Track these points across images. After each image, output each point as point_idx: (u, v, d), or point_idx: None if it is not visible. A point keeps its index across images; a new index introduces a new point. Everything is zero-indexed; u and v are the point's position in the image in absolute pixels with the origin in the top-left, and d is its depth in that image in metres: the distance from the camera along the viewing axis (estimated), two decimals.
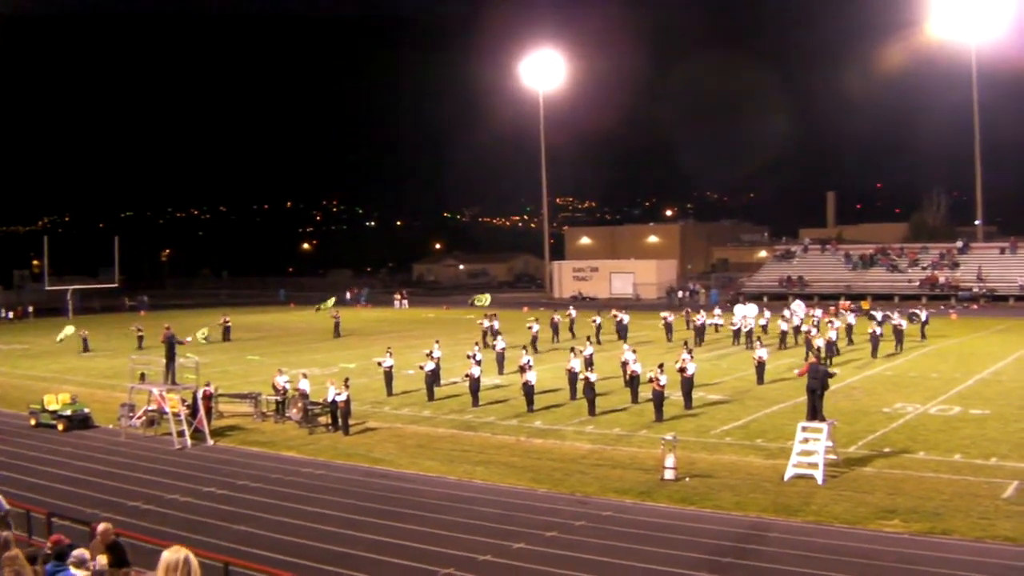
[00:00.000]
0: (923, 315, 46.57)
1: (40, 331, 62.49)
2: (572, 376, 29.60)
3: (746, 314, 47.89)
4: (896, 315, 42.73)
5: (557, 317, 49.13)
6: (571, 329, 49.23)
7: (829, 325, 41.09)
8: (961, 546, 15.14)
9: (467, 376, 29.82)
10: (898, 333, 40.67)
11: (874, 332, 39.35)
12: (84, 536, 12.08)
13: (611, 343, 44.81)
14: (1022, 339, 44.42)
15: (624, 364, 30.99)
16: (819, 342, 35.79)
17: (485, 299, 65.31)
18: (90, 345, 49.52)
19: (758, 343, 35.38)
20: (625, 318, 47.70)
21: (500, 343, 38.20)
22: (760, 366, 32.27)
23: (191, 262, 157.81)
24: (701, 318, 46.89)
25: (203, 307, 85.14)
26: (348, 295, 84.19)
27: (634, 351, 31.35)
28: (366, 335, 54.29)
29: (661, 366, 26.84)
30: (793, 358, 37.80)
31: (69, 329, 52.56)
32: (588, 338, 38.98)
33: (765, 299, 66.87)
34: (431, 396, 30.71)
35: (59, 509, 16.36)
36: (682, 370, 27.89)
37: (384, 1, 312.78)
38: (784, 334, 43.19)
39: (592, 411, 26.92)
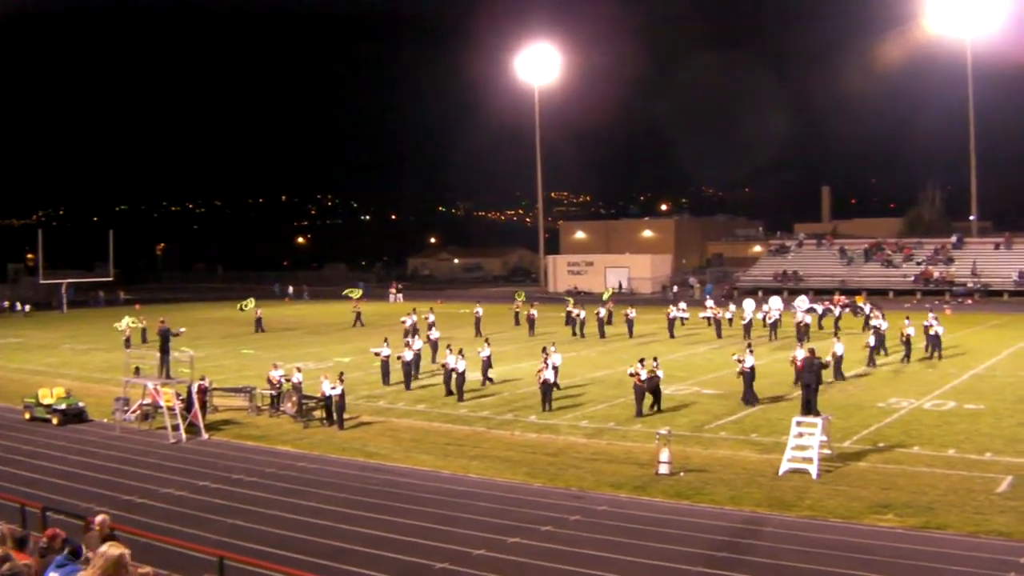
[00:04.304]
0: (867, 308, 47.01)
1: (25, 325, 62.37)
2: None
3: (770, 307, 47.90)
4: (931, 317, 38.39)
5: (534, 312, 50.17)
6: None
7: (906, 322, 36.99)
8: (955, 540, 15.18)
9: (452, 370, 29.85)
10: (930, 337, 36.72)
11: (936, 333, 36.39)
12: (79, 530, 12.03)
13: (616, 338, 45.51)
14: (1016, 334, 44.52)
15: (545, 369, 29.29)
16: (839, 348, 31.87)
17: (356, 292, 63.30)
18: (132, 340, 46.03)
19: (747, 351, 29.12)
20: (582, 313, 48.01)
21: (435, 332, 39.95)
22: (749, 376, 27.79)
23: (186, 256, 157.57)
24: (673, 312, 47.42)
25: (196, 301, 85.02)
26: (391, 290, 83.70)
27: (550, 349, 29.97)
28: (361, 328, 54.21)
29: (642, 361, 26.86)
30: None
31: (126, 320, 47.97)
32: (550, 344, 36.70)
33: (760, 294, 66.88)
34: (408, 386, 31.57)
35: (54, 503, 16.31)
36: (740, 360, 27.60)
37: None
38: (803, 327, 43.14)
39: (640, 411, 26.01)
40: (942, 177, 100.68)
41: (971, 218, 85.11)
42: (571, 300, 50.47)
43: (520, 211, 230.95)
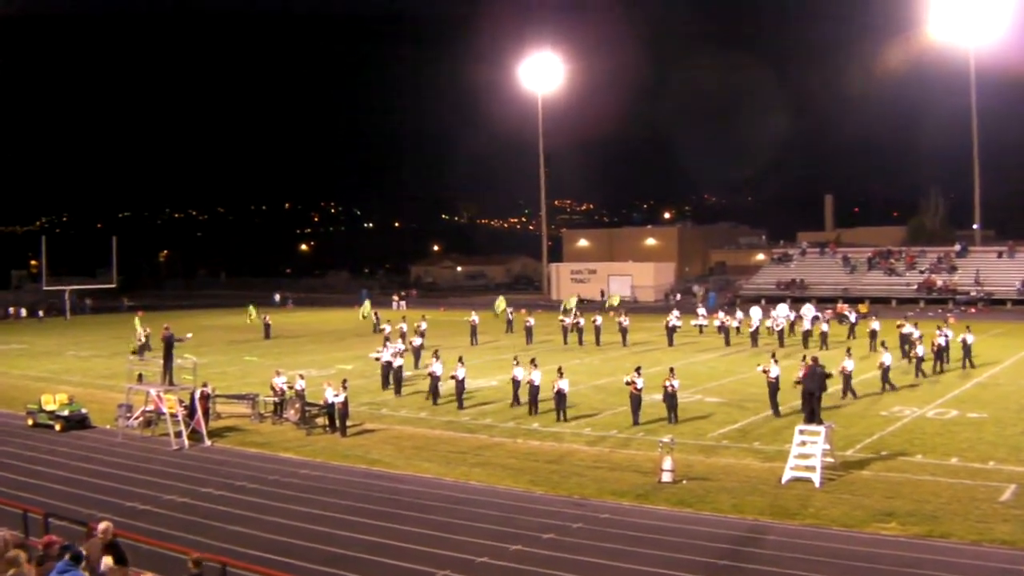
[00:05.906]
0: (852, 317, 47.55)
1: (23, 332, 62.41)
2: (519, 384, 29.12)
3: (777, 315, 47.90)
4: (945, 330, 37.09)
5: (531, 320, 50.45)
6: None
7: (937, 332, 36.07)
8: (959, 549, 15.16)
9: (452, 377, 29.80)
10: (939, 351, 35.54)
11: (965, 341, 36.01)
12: (80, 536, 12.04)
13: (610, 345, 45.54)
14: (1020, 343, 44.44)
15: (515, 380, 29.14)
16: (887, 358, 31.05)
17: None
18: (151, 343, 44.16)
19: (772, 360, 28.06)
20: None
21: (417, 340, 40.78)
22: (774, 389, 27.16)
23: (189, 263, 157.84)
24: (672, 320, 47.48)
25: (199, 308, 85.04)
26: (395, 299, 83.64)
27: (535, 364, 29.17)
28: (364, 335, 54.20)
29: (638, 369, 26.78)
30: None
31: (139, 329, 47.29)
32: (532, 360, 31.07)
33: (763, 302, 66.78)
34: (398, 392, 31.90)
35: (56, 509, 16.33)
36: (765, 371, 27.21)
37: (383, 1, 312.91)
38: (807, 333, 43.77)
39: (636, 420, 25.90)
40: (945, 185, 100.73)
41: (974, 226, 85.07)
42: (563, 314, 50.27)
43: (523, 219, 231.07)
